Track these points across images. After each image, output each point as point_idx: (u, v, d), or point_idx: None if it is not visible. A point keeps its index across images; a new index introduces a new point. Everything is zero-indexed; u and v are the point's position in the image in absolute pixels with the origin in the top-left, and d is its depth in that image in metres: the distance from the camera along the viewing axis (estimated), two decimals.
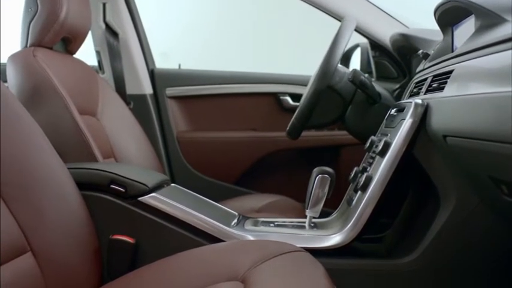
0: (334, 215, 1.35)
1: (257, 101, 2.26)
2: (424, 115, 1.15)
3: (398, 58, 1.98)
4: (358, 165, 1.38)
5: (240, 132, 2.27)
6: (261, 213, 1.69)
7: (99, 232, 1.12)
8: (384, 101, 1.59)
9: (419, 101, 1.16)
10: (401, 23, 1.98)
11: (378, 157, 1.22)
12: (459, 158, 1.04)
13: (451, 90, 1.05)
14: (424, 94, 1.23)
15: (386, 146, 1.18)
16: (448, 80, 1.07)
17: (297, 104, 2.13)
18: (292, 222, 1.33)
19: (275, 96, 2.25)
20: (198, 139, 2.27)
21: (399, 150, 1.16)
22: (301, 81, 2.19)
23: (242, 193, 2.16)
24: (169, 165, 2.25)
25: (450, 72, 1.08)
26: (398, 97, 1.73)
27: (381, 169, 1.17)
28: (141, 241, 1.14)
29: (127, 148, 1.75)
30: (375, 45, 2.04)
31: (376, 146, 1.28)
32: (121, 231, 1.14)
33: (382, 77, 2.06)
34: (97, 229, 1.11)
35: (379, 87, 1.62)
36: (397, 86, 1.91)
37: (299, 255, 1.00)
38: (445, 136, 1.03)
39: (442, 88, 1.09)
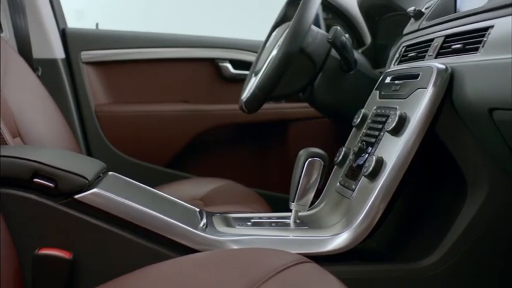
0: (320, 207, 1.12)
1: (191, 68, 2.06)
2: (449, 84, 0.97)
3: (357, 21, 1.83)
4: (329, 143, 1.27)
5: (171, 105, 2.06)
6: (210, 206, 1.43)
7: (20, 246, 0.90)
8: (360, 68, 1.39)
9: (443, 66, 0.96)
10: None
11: (387, 135, 1.01)
12: (508, 137, 0.85)
13: (491, 51, 0.88)
14: (436, 58, 1.04)
15: (402, 121, 0.97)
16: (486, 40, 0.90)
17: (240, 72, 1.96)
18: (270, 218, 1.09)
19: (213, 62, 2.05)
20: (120, 113, 2.05)
21: (422, 127, 0.96)
22: (245, 46, 2.04)
23: (176, 177, 1.94)
24: (87, 145, 2.01)
25: (484, 29, 0.91)
26: None
27: (398, 151, 0.96)
28: (80, 256, 0.92)
29: (36, 125, 1.49)
30: (327, 6, 1.89)
31: (375, 122, 1.08)
32: (51, 243, 0.92)
33: None
34: (17, 242, 0.89)
35: (355, 52, 1.41)
36: (359, 51, 1.72)
37: (306, 268, 0.81)
38: (491, 110, 0.84)
39: (475, 49, 0.92)
